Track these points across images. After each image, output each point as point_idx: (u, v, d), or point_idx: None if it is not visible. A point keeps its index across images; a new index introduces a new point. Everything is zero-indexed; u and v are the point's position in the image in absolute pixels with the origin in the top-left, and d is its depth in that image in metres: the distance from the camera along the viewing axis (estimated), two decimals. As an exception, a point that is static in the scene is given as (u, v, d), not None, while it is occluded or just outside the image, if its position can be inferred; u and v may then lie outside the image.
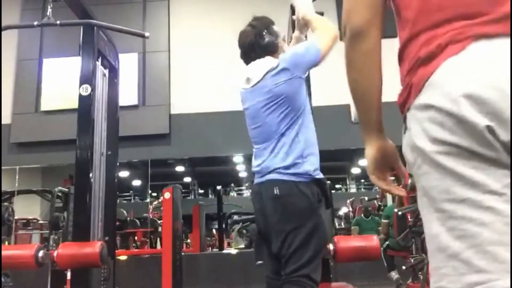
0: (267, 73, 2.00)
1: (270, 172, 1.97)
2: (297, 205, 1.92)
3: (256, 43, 2.11)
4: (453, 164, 0.80)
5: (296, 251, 1.91)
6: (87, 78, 2.98)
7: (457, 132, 0.78)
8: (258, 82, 2.04)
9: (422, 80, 0.85)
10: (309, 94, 2.90)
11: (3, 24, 3.20)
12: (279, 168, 1.95)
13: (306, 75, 2.05)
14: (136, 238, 8.56)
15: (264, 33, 2.13)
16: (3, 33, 3.21)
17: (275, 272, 2.05)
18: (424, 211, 0.93)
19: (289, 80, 1.96)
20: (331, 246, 2.52)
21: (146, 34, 3.28)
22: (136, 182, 11.30)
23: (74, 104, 2.98)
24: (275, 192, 1.93)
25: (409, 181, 4.94)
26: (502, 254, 0.78)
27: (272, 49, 2.10)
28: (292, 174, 1.93)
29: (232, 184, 12.76)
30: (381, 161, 1.15)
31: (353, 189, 13.27)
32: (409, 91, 0.90)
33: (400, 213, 4.62)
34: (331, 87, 6.96)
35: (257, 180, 2.07)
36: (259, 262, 3.41)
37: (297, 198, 1.92)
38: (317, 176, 1.98)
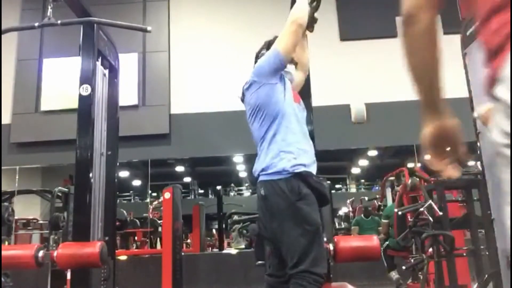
0: (243, 88, 2.26)
1: (258, 175, 2.10)
2: (277, 204, 1.99)
3: (256, 58, 2.36)
4: None
5: (289, 248, 1.97)
6: (87, 78, 2.97)
7: None
8: (243, 98, 2.28)
9: (494, 74, 0.85)
10: (309, 95, 2.91)
11: (4, 27, 3.19)
12: (262, 170, 2.07)
13: (276, 79, 2.16)
14: (136, 238, 8.56)
15: (262, 51, 2.32)
16: (3, 34, 3.21)
17: (276, 270, 2.10)
18: (496, 200, 0.94)
19: (258, 89, 2.15)
20: (331, 246, 2.52)
21: (148, 28, 3.26)
22: (136, 182, 11.29)
23: (74, 104, 2.97)
24: (262, 193, 2.05)
25: (409, 181, 4.95)
26: None
27: None
28: (271, 174, 2.03)
29: (232, 184, 12.76)
30: (439, 138, 1.13)
31: (353, 189, 13.26)
32: (489, 83, 0.90)
33: (400, 213, 4.62)
34: (331, 87, 6.96)
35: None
36: (259, 262, 3.39)
37: (277, 197, 1.99)
38: (296, 171, 2.01)
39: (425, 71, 1.09)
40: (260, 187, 2.06)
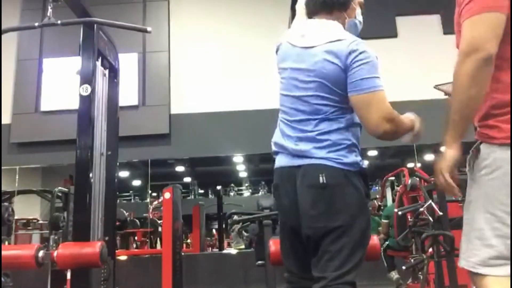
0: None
1: (309, 157, 1.65)
2: (349, 198, 1.63)
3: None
4: None
5: (340, 252, 1.62)
6: (87, 78, 2.97)
7: None
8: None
9: None
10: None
11: (3, 27, 3.19)
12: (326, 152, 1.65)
13: None
14: (136, 238, 8.56)
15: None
16: (3, 34, 3.20)
17: (300, 269, 1.77)
18: (474, 208, 1.36)
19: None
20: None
21: (148, 28, 3.25)
22: (136, 182, 11.29)
23: (74, 104, 2.97)
24: (321, 181, 1.61)
25: (409, 181, 4.95)
26: None
27: (343, 5, 1.79)
28: (341, 163, 1.64)
29: (232, 184, 12.75)
30: (456, 163, 1.41)
31: (353, 189, 13.23)
32: None
33: (400, 213, 4.62)
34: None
35: (286, 160, 1.72)
36: (259, 262, 3.37)
37: (348, 190, 1.63)
38: (364, 166, 1.72)
39: (480, 103, 1.33)
40: (316, 172, 1.63)
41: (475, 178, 1.39)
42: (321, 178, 1.62)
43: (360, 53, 1.64)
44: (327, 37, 1.69)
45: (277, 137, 1.80)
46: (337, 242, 1.62)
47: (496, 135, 1.35)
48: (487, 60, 1.27)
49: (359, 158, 1.69)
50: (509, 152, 1.30)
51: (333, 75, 1.65)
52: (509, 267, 1.28)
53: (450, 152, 1.39)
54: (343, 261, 1.61)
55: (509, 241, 1.27)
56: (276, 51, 1.90)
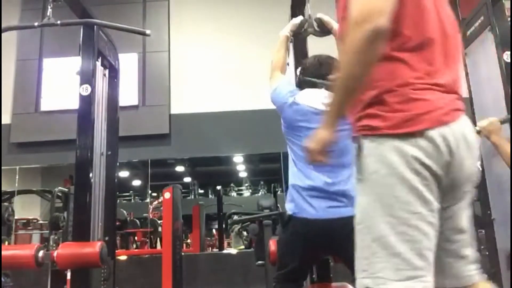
0: None
1: (347, 205, 2.03)
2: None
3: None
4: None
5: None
6: (87, 78, 2.97)
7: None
8: None
9: None
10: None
11: (3, 25, 3.19)
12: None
13: None
14: (136, 238, 8.55)
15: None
16: (3, 33, 3.20)
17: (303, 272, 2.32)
18: (372, 213, 1.14)
19: None
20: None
21: (147, 31, 3.25)
22: (136, 182, 11.28)
23: (74, 104, 2.97)
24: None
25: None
26: (431, 257, 1.09)
27: None
28: None
29: (232, 184, 12.74)
30: (329, 145, 1.25)
31: (353, 189, 13.20)
32: None
33: (400, 213, 4.61)
34: (331, 87, 6.95)
35: (325, 211, 2.09)
36: (259, 262, 3.39)
37: None
38: None
39: (364, 84, 1.12)
40: (351, 224, 2.13)
41: (364, 179, 1.16)
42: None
43: None
44: None
45: (311, 181, 2.08)
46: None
47: (380, 125, 1.13)
48: (380, 36, 1.04)
49: None
50: (395, 142, 1.10)
51: None
52: (425, 280, 1.07)
53: (323, 132, 1.21)
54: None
55: (418, 245, 1.07)
56: (290, 105, 2.18)
